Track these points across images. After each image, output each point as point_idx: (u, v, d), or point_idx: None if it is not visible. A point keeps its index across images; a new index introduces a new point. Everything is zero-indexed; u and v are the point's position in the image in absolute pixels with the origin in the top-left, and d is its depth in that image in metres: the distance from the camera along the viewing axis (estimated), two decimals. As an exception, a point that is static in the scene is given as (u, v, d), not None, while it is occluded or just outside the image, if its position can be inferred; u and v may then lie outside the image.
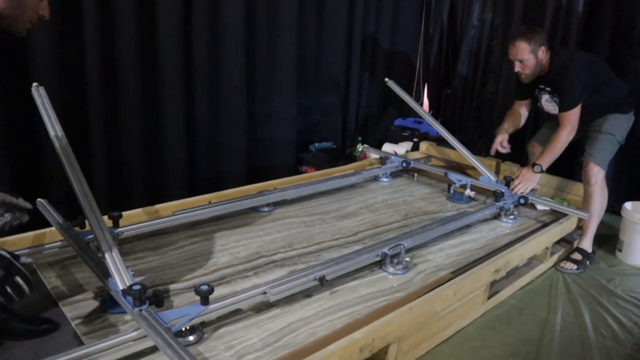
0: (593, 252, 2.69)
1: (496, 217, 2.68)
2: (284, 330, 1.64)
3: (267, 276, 1.95)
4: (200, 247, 2.17)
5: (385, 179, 3.17)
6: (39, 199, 2.00)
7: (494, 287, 2.23)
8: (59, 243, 1.91)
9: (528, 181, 2.70)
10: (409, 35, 4.40)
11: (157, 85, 2.82)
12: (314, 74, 3.75)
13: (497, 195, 2.68)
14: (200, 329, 1.59)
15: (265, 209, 2.57)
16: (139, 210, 2.31)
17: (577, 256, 2.62)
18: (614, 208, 2.93)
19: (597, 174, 2.60)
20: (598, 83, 2.63)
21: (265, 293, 1.68)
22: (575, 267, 2.58)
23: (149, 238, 2.19)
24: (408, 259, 2.09)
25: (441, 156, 3.56)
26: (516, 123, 3.00)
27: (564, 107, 2.61)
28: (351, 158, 3.75)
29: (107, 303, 1.69)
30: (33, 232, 1.99)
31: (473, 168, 3.07)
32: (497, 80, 3.95)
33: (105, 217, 1.90)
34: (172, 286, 1.85)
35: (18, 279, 1.37)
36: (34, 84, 1.87)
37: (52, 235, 2.00)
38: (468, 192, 2.88)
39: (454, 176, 2.99)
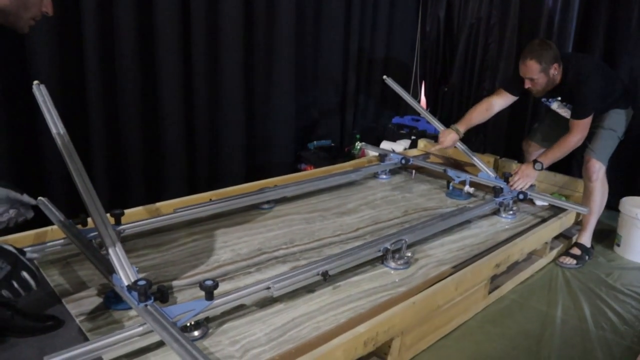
0: (592, 247, 2.71)
1: (495, 212, 2.69)
2: (288, 325, 1.65)
3: (269, 272, 1.95)
4: (202, 244, 2.17)
5: (385, 176, 3.18)
6: (39, 198, 1.99)
7: (494, 282, 2.24)
8: (61, 241, 1.91)
9: (527, 177, 2.72)
10: (406, 33, 4.42)
11: (157, 83, 2.82)
12: (312, 73, 3.76)
13: (496, 191, 2.70)
14: (205, 324, 1.59)
15: (266, 206, 2.57)
16: (140, 208, 2.31)
17: (576, 251, 2.64)
18: (611, 203, 2.94)
19: (598, 170, 2.61)
20: (609, 90, 2.64)
21: (268, 288, 1.68)
22: (574, 262, 2.60)
23: (151, 235, 2.19)
24: (409, 254, 2.10)
25: (439, 153, 3.57)
26: (479, 119, 2.94)
27: (579, 115, 2.57)
28: (350, 156, 3.76)
29: (111, 299, 1.69)
30: (35, 230, 1.99)
31: (471, 165, 3.09)
32: (493, 77, 3.97)
33: (107, 215, 1.89)
34: (174, 283, 1.85)
35: (24, 273, 1.37)
36: (35, 82, 1.86)
37: (53, 233, 2.00)
38: (467, 188, 2.89)
39: (453, 173, 3.00)
